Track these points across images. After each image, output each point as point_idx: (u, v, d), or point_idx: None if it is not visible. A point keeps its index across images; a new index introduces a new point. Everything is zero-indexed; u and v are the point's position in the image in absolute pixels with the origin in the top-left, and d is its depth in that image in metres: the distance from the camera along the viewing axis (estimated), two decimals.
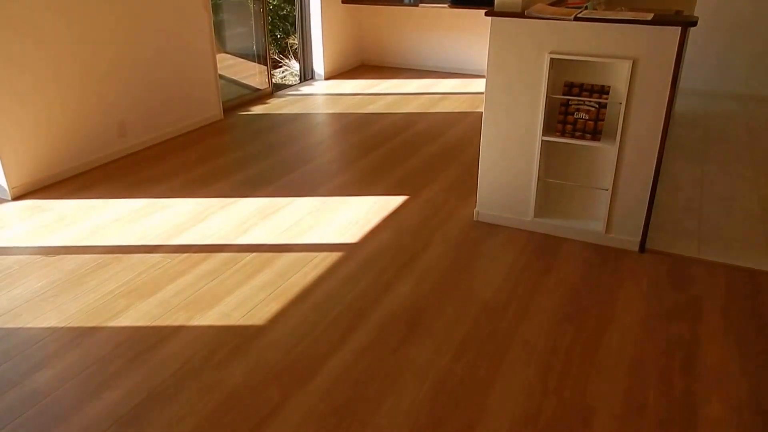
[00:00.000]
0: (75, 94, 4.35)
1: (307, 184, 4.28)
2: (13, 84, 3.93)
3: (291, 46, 8.16)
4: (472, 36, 7.05)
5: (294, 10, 7.19)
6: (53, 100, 4.20)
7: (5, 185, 4.02)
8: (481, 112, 3.46)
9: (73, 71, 4.30)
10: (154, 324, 2.78)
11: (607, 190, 3.32)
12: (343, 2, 7.20)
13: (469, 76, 7.18)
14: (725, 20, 6.02)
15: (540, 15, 3.10)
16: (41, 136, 4.18)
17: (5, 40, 3.82)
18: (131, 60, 4.73)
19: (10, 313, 2.86)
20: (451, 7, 6.71)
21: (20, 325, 2.77)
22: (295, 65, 7.89)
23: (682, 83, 6.25)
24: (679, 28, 2.83)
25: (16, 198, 4.06)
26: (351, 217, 3.77)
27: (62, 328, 2.76)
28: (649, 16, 2.89)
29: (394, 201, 3.99)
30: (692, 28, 5.91)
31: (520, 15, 3.15)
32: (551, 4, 3.42)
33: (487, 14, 3.23)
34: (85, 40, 4.34)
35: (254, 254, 3.36)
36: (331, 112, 6.02)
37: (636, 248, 3.35)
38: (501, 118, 3.42)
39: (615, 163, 3.23)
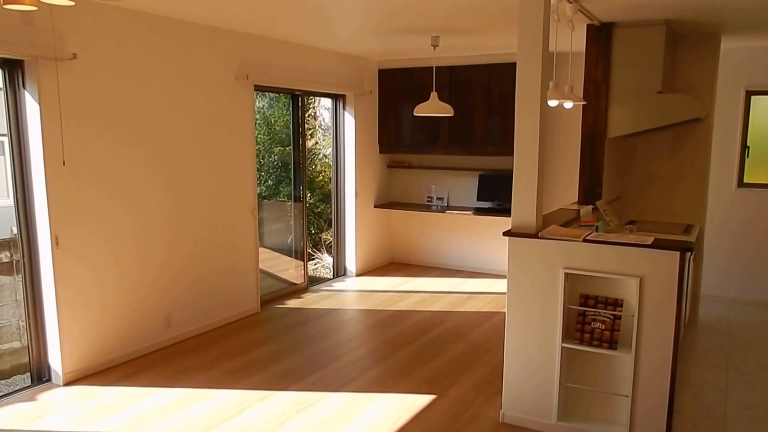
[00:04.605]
0: (126, 290, 4.77)
1: (339, 379, 4.49)
2: (73, 290, 4.39)
3: (324, 241, 8.73)
4: (496, 239, 7.50)
5: (327, 208, 7.83)
6: (107, 295, 4.62)
7: (60, 371, 4.33)
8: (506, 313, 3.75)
9: (124, 272, 4.75)
10: None
11: (627, 396, 3.48)
12: (375, 207, 7.84)
13: (494, 276, 7.54)
14: (755, 229, 6.27)
15: (552, 236, 3.49)
16: (94, 327, 4.54)
17: (73, 246, 4.34)
18: (181, 257, 5.22)
19: None
20: (474, 214, 7.29)
21: None
22: (327, 258, 8.39)
23: (709, 290, 6.42)
24: (678, 252, 3.17)
25: (67, 383, 4.34)
26: (381, 415, 3.93)
27: None
28: (650, 240, 3.25)
29: (422, 399, 4.15)
30: (720, 236, 6.28)
31: (535, 236, 3.54)
32: (564, 224, 3.83)
33: (504, 234, 3.63)
34: (135, 244, 4.86)
35: None
36: (361, 308, 6.35)
37: None
38: (523, 325, 3.70)
39: (632, 370, 3.43)
